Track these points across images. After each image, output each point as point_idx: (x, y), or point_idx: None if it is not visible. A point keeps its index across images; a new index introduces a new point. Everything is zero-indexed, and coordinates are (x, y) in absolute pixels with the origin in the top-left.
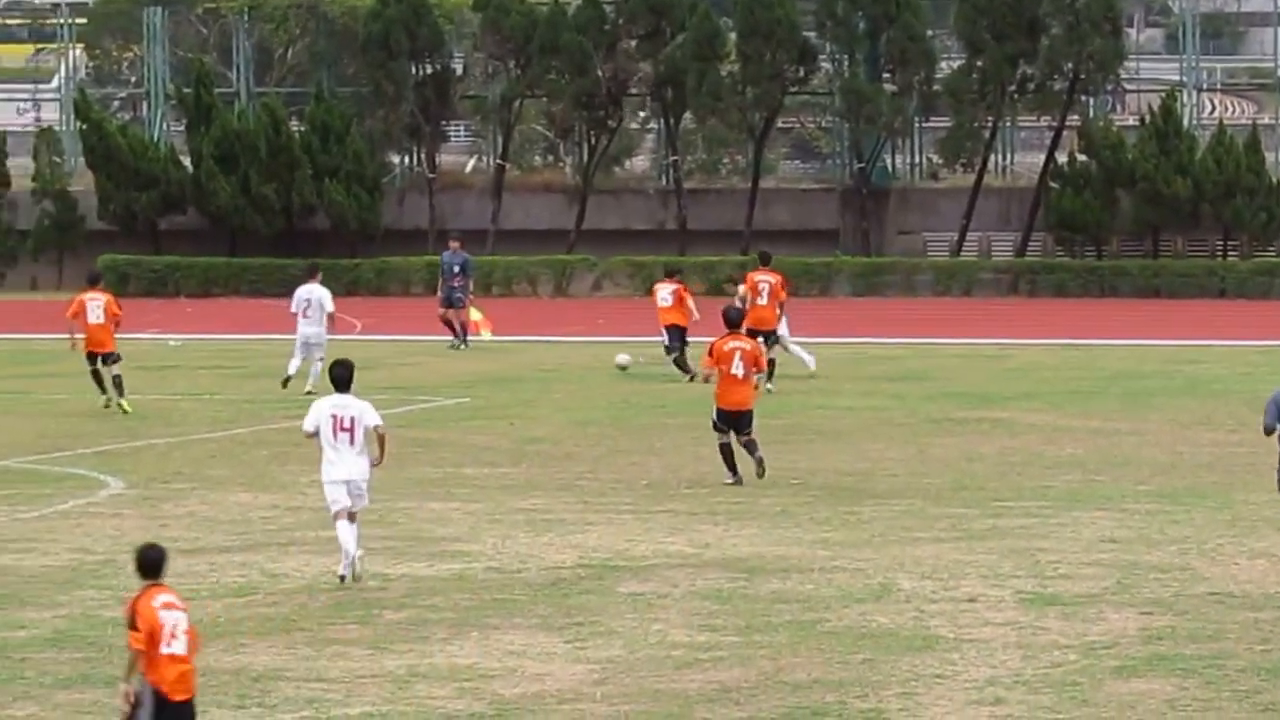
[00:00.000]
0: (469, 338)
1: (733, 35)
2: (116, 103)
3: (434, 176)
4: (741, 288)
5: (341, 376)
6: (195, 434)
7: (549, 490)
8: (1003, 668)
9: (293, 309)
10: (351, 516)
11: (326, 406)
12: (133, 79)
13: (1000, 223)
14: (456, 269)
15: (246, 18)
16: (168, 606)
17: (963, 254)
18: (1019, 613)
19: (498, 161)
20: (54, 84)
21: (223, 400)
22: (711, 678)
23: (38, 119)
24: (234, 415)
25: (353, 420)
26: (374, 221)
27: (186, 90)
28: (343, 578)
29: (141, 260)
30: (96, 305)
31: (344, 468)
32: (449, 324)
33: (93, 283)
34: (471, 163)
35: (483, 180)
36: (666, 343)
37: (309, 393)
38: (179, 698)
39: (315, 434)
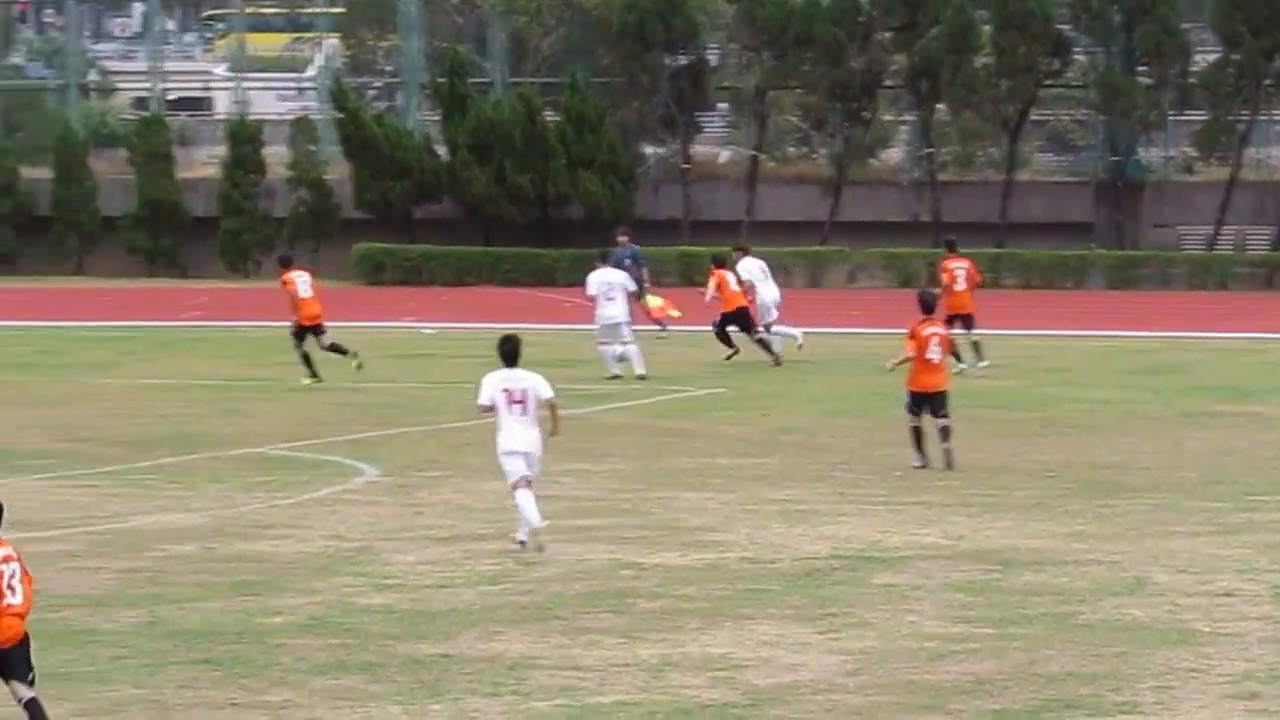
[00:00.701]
0: (660, 326)
1: (987, 28)
2: (372, 92)
3: (688, 167)
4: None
5: (511, 351)
6: (449, 422)
7: (802, 481)
8: (1259, 662)
9: (591, 292)
10: (528, 484)
11: (499, 380)
12: (388, 68)
13: (1255, 216)
14: (628, 261)
15: (502, 8)
16: (5, 559)
17: (1217, 248)
18: (1275, 607)
19: (752, 152)
20: (310, 73)
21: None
22: (965, 670)
23: (301, 107)
24: None
25: (524, 393)
26: (628, 212)
27: (441, 80)
28: (522, 543)
29: (396, 249)
30: (304, 281)
31: (519, 439)
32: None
33: (285, 264)
34: (726, 154)
35: (737, 171)
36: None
37: (641, 377)
38: (7, 645)
39: (490, 408)
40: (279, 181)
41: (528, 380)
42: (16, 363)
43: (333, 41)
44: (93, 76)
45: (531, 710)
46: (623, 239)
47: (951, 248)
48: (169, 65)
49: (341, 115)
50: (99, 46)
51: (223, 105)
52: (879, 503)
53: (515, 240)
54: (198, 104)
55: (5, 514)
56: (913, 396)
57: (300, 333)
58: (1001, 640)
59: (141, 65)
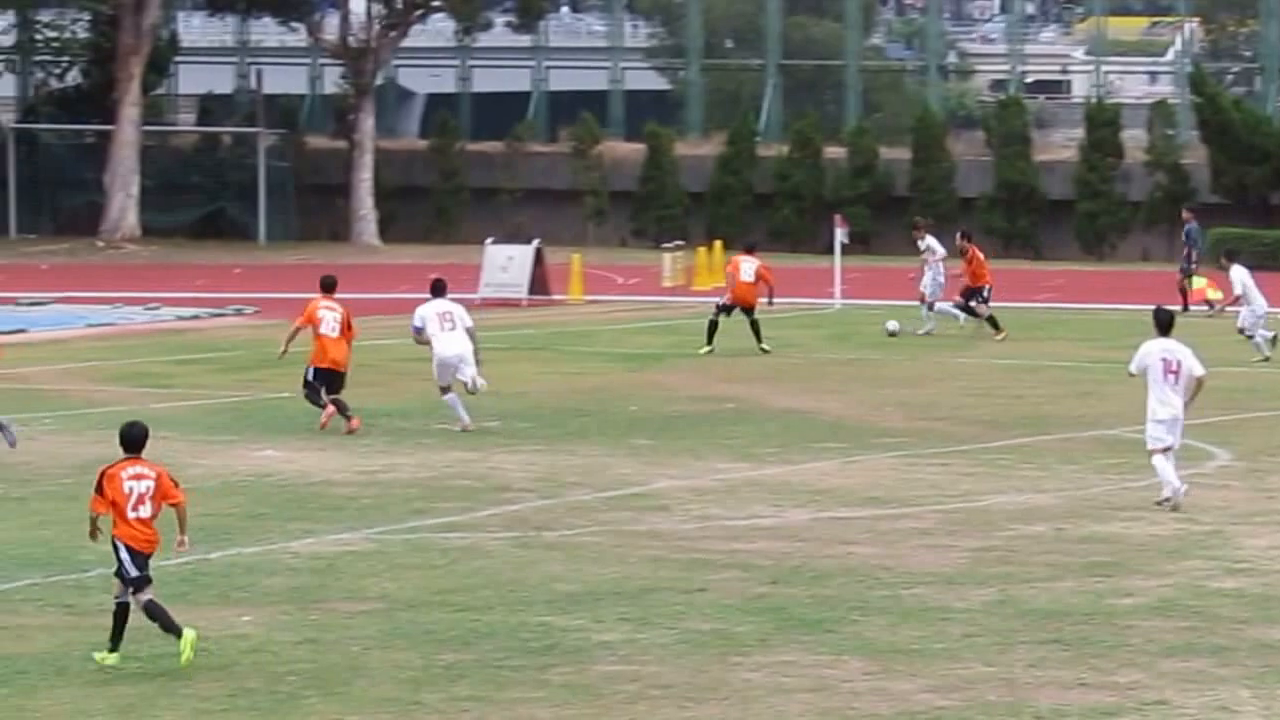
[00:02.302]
0: (1193, 308)
1: None
2: (1230, 76)
3: None
4: None
5: (1166, 321)
6: None
7: None
8: None
9: None
10: (1168, 452)
11: (1156, 350)
12: (1247, 53)
13: None
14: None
15: None
16: (136, 477)
17: None
18: None
19: None
20: (1169, 57)
21: None
22: None
23: (1159, 91)
24: None
25: (1179, 364)
26: None
27: None
28: (1161, 502)
29: (1252, 234)
30: (750, 266)
31: (1168, 407)
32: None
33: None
34: None
35: None
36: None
37: None
38: (143, 549)
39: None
40: (1135, 165)
41: (1181, 352)
42: (873, 341)
43: (1192, 25)
44: (951, 58)
45: None
46: (1187, 215)
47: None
48: (1028, 48)
49: (1199, 100)
50: (958, 29)
51: (1080, 88)
52: None
53: None
54: (1055, 87)
55: (151, 436)
56: None
57: (730, 308)
58: None
59: (1000, 48)
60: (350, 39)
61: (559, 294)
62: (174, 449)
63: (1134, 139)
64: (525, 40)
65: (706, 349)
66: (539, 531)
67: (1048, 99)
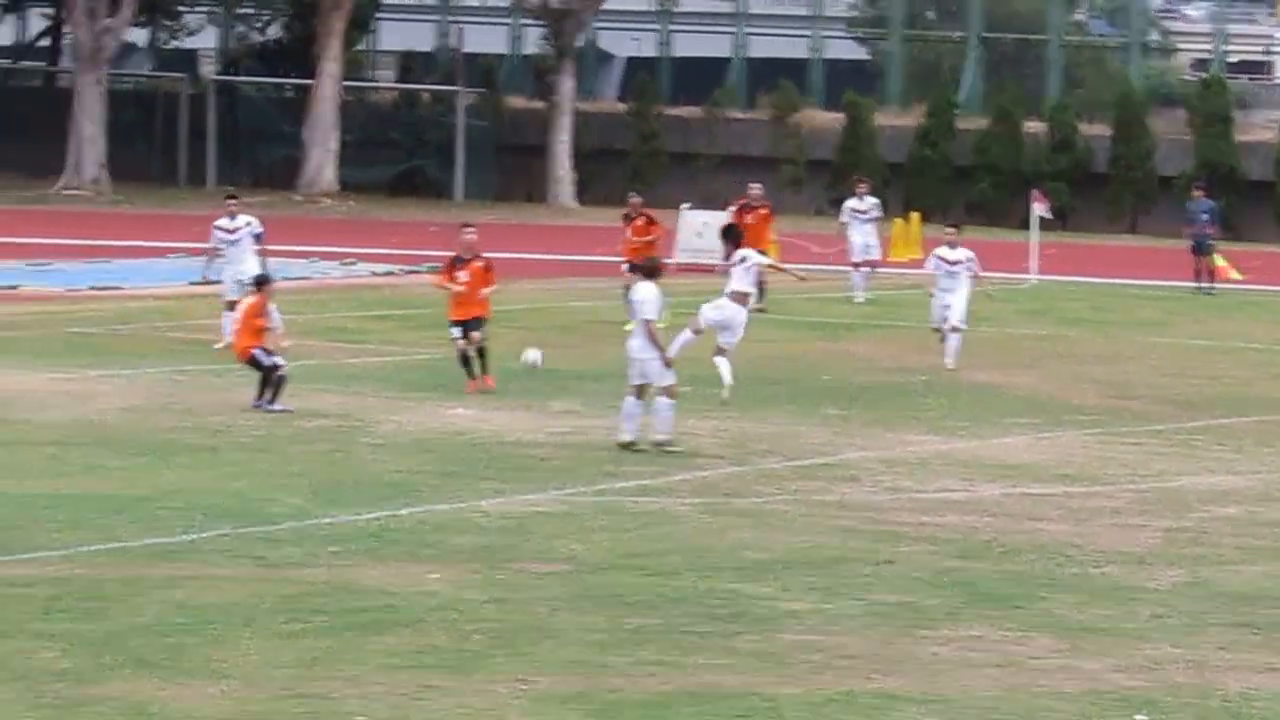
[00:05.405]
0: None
1: None
2: None
3: None
4: None
5: None
6: None
7: None
8: None
9: None
10: None
11: None
12: None
13: None
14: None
15: None
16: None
17: None
18: None
19: None
20: None
21: None
22: None
23: None
24: None
25: None
26: None
27: None
28: None
29: None
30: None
31: None
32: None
33: None
34: None
35: None
36: None
37: None
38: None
39: None
40: None
41: None
42: (1069, 318)
43: None
44: (1154, 36)
45: None
46: (1197, 193)
47: None
48: (1231, 28)
49: None
50: (1163, 6)
51: None
52: None
53: None
54: (1258, 68)
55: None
56: None
57: None
58: None
59: (1203, 27)
60: (554, 0)
61: None
62: (366, 405)
63: None
64: (726, 6)
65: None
66: (728, 498)
67: (1250, 79)
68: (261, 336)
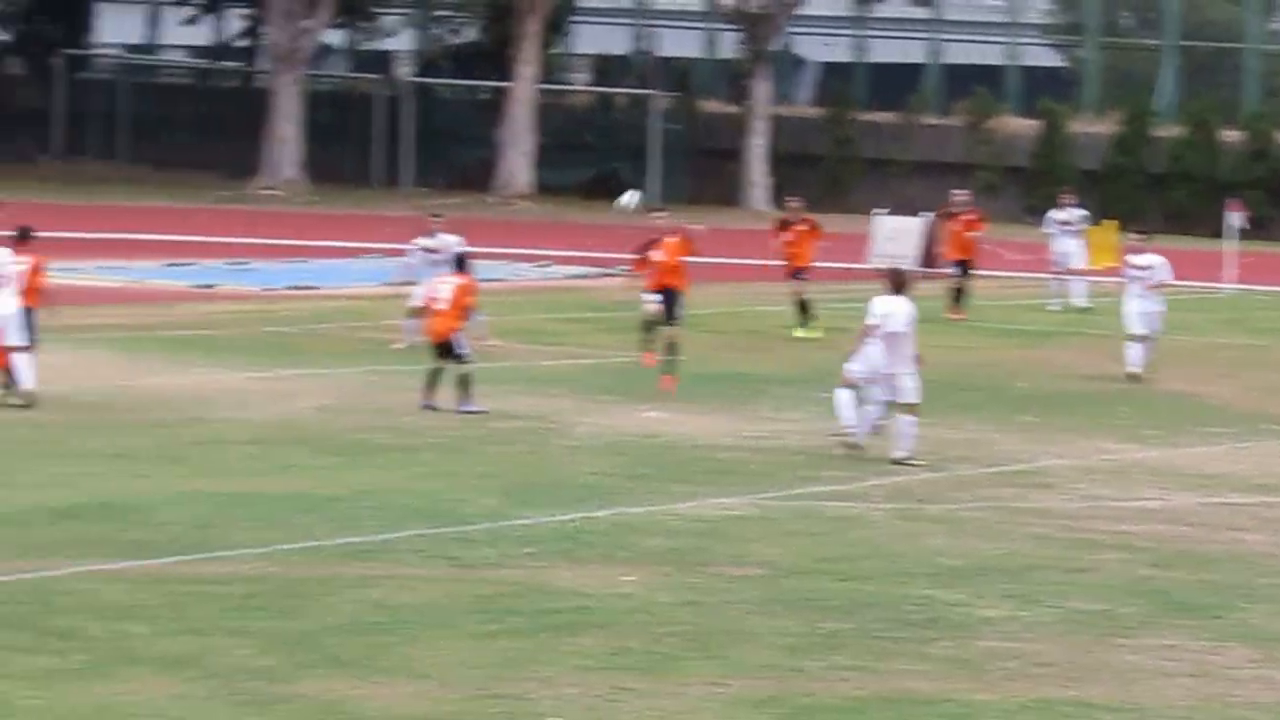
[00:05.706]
0: None
1: None
2: None
3: None
4: None
5: None
6: None
7: None
8: None
9: None
10: None
11: None
12: None
13: None
14: None
15: None
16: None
17: None
18: None
19: None
20: None
21: None
22: None
23: None
24: None
25: None
26: None
27: None
28: None
29: None
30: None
31: None
32: None
33: None
34: None
35: None
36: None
37: None
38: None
39: None
40: None
41: None
42: (1265, 327)
43: None
44: None
45: None
46: None
47: None
48: None
49: None
50: None
51: None
52: None
53: None
54: None
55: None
56: None
57: None
58: None
59: None
60: (749, 4)
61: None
62: (560, 406)
63: None
64: (922, 12)
65: (801, 331)
66: (923, 504)
67: None
68: (465, 321)
